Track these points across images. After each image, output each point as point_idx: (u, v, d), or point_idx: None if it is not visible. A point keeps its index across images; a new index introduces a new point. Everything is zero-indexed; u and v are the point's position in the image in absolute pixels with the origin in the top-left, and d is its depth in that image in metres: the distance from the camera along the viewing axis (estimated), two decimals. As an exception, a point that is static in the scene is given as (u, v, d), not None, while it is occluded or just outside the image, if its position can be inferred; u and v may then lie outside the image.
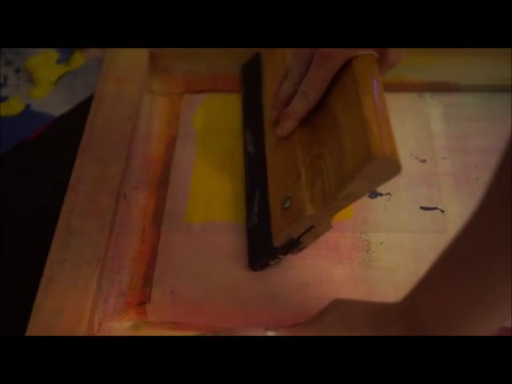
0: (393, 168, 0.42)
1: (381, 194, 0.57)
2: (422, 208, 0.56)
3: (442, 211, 0.56)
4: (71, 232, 0.52)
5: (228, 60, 0.66)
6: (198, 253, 0.54)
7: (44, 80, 0.67)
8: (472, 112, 0.63)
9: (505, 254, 0.34)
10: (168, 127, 0.64)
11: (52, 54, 0.69)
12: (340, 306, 0.46)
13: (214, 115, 0.64)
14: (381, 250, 0.54)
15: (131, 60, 0.65)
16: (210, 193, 0.58)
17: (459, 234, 0.37)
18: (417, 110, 0.64)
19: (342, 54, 0.46)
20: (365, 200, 0.57)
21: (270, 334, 0.44)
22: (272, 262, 0.52)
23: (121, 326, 0.50)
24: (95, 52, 0.68)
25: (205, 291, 0.52)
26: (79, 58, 0.69)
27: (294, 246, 0.51)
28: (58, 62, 0.69)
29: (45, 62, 0.68)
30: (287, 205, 0.49)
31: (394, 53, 0.48)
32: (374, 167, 0.41)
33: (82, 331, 0.47)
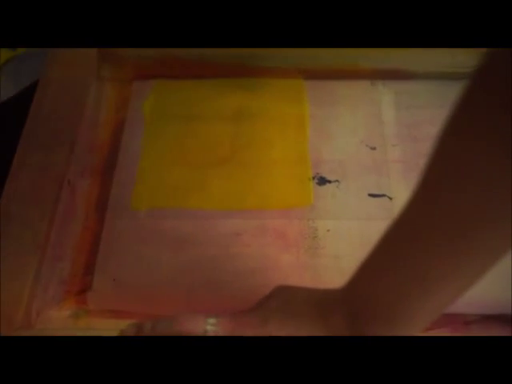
0: None
1: (329, 181, 0.57)
2: (370, 195, 0.56)
3: (390, 198, 0.56)
4: (11, 220, 0.51)
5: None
6: (143, 239, 0.53)
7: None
8: (423, 99, 0.63)
9: (440, 235, 0.34)
10: (116, 113, 0.62)
11: (-2, 38, 0.67)
12: (283, 293, 0.45)
13: (165, 101, 0.63)
14: (328, 238, 0.53)
15: (80, 45, 0.64)
16: (157, 179, 0.57)
17: (398, 217, 0.37)
18: (368, 98, 0.63)
19: None
20: (313, 187, 0.56)
21: (211, 321, 0.43)
22: None
23: (60, 315, 0.49)
24: (43, 36, 0.67)
25: (148, 278, 0.51)
26: (26, 42, 0.67)
27: None
28: (5, 46, 0.67)
29: (-10, 47, 0.67)
30: None
31: None
32: None
33: (18, 320, 0.46)
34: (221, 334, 0.41)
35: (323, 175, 0.57)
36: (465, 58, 0.63)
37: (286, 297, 0.45)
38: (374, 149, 0.59)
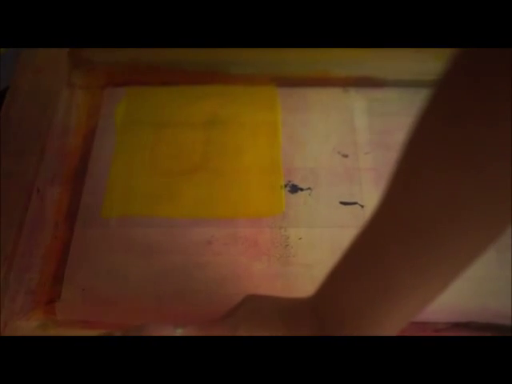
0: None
1: (302, 189, 0.57)
2: (341, 203, 0.56)
3: (362, 206, 0.56)
4: (-22, 229, 0.50)
5: (152, 51, 0.64)
6: (113, 248, 0.53)
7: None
8: (396, 107, 0.63)
9: (403, 245, 0.34)
10: (87, 120, 0.62)
11: (-32, 44, 0.66)
12: (252, 302, 0.45)
13: (136, 108, 0.63)
14: (299, 246, 0.53)
15: (50, 51, 0.63)
16: (127, 187, 0.57)
17: (363, 226, 0.37)
18: (341, 105, 0.63)
19: None
20: (285, 195, 0.56)
21: (179, 331, 0.43)
22: None
23: (27, 326, 0.48)
24: (14, 42, 0.66)
25: (118, 288, 0.51)
26: (-3, 48, 0.66)
27: None
28: (-25, 52, 0.66)
29: (-40, 53, 0.66)
30: None
31: None
32: None
33: (-16, 331, 0.45)
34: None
35: (295, 183, 0.57)
36: (436, 65, 0.63)
37: (254, 306, 0.45)
38: (346, 156, 0.59)
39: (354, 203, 0.56)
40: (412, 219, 0.34)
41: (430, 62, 0.64)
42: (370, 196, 0.56)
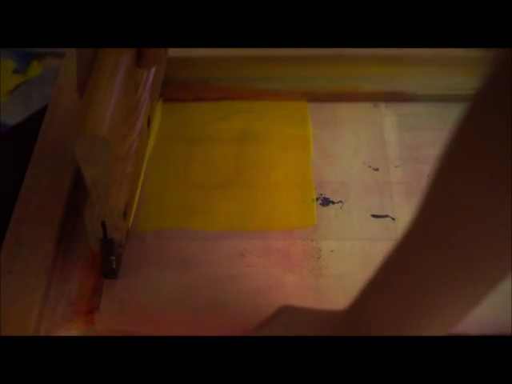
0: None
1: (333, 202, 0.58)
2: (373, 216, 0.57)
3: (393, 219, 0.56)
4: (19, 242, 0.52)
5: (184, 68, 0.66)
6: (149, 261, 0.54)
7: (0, 89, 0.67)
8: (425, 121, 0.64)
9: (439, 261, 0.35)
10: (123, 136, 0.63)
11: (9, 63, 0.69)
12: (286, 313, 0.46)
13: (169, 124, 0.65)
14: (331, 258, 0.54)
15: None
16: (162, 201, 0.58)
17: (398, 241, 0.38)
18: (371, 120, 0.64)
19: None
20: (316, 208, 0.57)
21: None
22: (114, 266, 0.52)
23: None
24: (52, 61, 0.68)
25: (154, 299, 0.52)
26: (36, 67, 0.68)
27: (109, 245, 0.50)
28: (15, 71, 0.69)
29: (2, 72, 0.68)
30: None
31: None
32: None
33: (26, 341, 0.47)
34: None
35: (327, 196, 0.58)
36: (464, 80, 0.64)
37: (289, 317, 0.45)
38: (376, 170, 0.60)
39: (386, 216, 0.57)
40: (448, 236, 0.34)
41: (458, 77, 0.65)
42: (401, 209, 0.57)
